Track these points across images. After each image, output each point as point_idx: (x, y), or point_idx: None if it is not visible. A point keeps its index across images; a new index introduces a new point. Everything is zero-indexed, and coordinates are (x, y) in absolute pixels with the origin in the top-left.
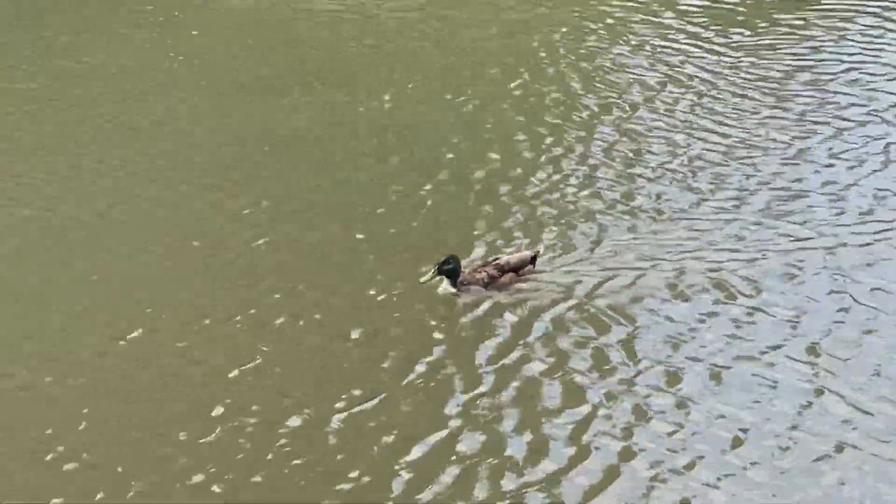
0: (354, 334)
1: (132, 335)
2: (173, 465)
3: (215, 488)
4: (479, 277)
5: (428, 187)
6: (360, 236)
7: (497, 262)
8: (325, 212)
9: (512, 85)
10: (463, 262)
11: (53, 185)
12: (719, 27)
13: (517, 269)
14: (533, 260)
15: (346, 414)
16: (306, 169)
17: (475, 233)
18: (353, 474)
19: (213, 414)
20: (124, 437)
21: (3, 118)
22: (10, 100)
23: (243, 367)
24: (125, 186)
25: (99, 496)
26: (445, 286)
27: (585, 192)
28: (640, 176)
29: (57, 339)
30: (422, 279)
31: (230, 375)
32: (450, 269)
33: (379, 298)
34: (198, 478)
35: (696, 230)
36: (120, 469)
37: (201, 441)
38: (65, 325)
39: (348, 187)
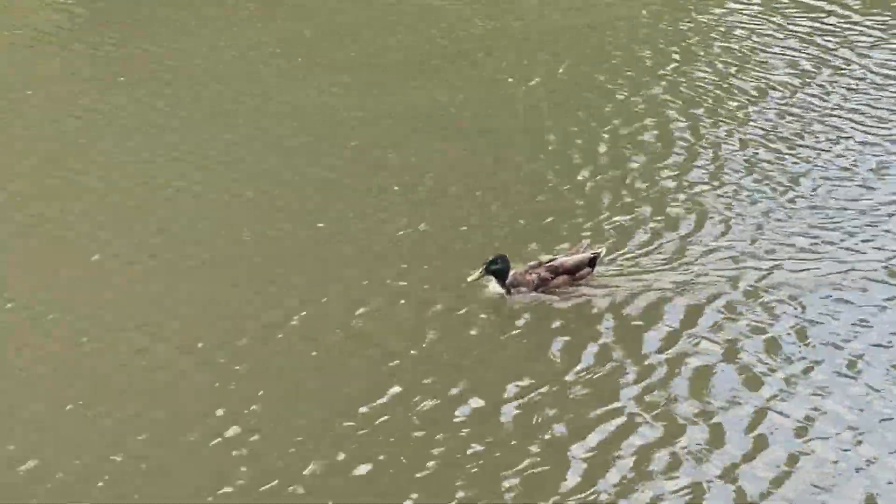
0: (521, 320)
1: (301, 314)
2: (351, 444)
3: (391, 469)
4: (529, 279)
5: (586, 171)
6: (521, 221)
7: (551, 263)
8: (485, 192)
9: (666, 68)
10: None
11: (218, 162)
12: (870, 8)
13: (573, 271)
14: (592, 262)
15: (517, 402)
16: (461, 149)
17: (636, 217)
18: (527, 463)
19: (387, 394)
20: (299, 415)
21: (164, 97)
22: (163, 81)
23: (413, 350)
24: (283, 166)
25: (276, 476)
26: (494, 286)
27: (747, 179)
28: (803, 161)
29: (228, 317)
30: (468, 278)
31: (401, 358)
32: (497, 269)
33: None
34: (376, 456)
35: (864, 219)
36: (296, 447)
37: (377, 421)
38: (234, 304)
39: (506, 168)
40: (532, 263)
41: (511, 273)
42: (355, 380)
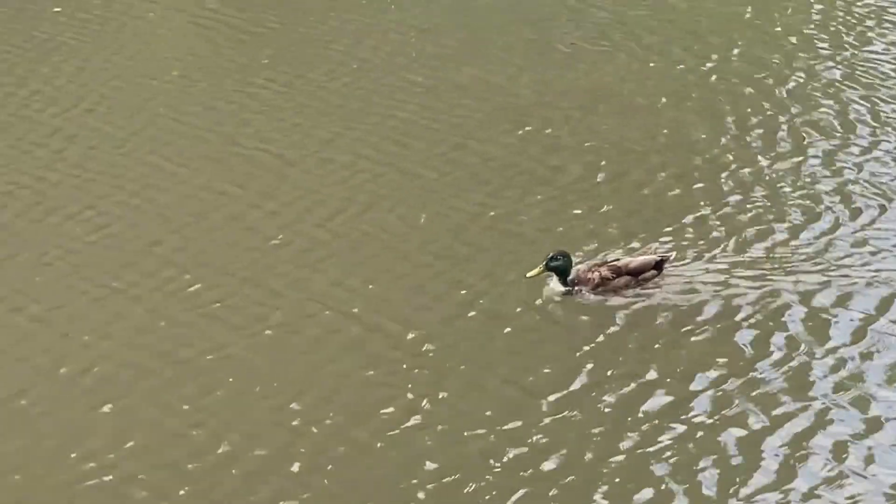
0: (709, 311)
1: (487, 295)
2: (540, 432)
3: (580, 459)
4: (590, 278)
5: (766, 156)
6: (705, 209)
7: (615, 262)
8: (667, 176)
9: (842, 53)
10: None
11: (390, 141)
12: None
13: (636, 273)
14: (658, 266)
15: (707, 394)
16: (638, 131)
17: (818, 204)
18: (720, 456)
19: (577, 381)
20: (490, 400)
21: (319, 78)
22: (312, 61)
23: (600, 335)
24: (457, 146)
25: (468, 461)
26: (554, 284)
27: None
28: None
29: (412, 298)
30: (528, 274)
31: (590, 343)
32: (558, 266)
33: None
34: (565, 446)
35: None
36: (487, 433)
37: (566, 410)
38: (418, 285)
39: (685, 152)
40: (596, 261)
41: (574, 270)
42: (544, 365)
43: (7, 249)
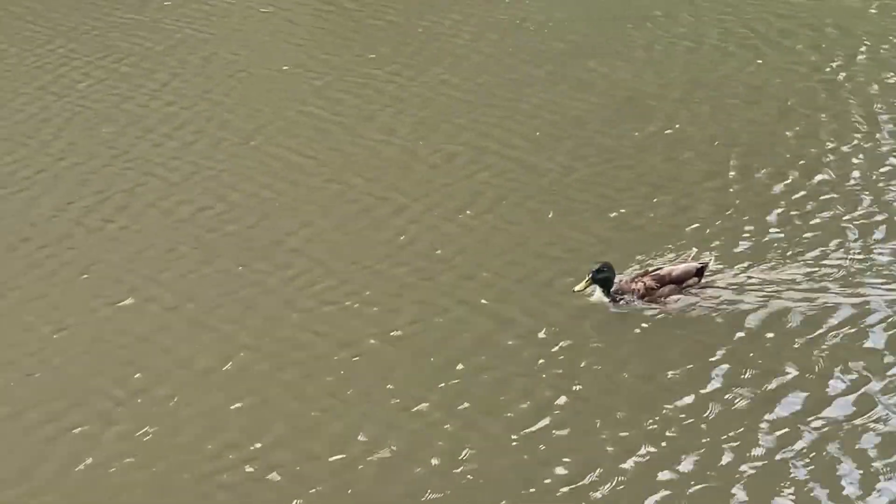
0: (841, 312)
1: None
2: (671, 438)
3: (715, 463)
4: (634, 288)
5: None
6: (832, 208)
7: (657, 272)
8: (798, 177)
9: None
10: None
11: (515, 133)
12: None
13: (679, 281)
14: (699, 272)
15: (845, 395)
16: (773, 130)
17: None
18: (857, 460)
19: (712, 381)
20: (618, 404)
21: (431, 72)
22: (422, 56)
23: (733, 334)
24: (584, 140)
25: (594, 467)
26: (599, 295)
27: None
28: None
29: (548, 291)
30: (575, 288)
31: (725, 341)
32: (603, 278)
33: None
34: (702, 439)
35: None
36: (614, 436)
37: (700, 413)
38: (550, 278)
39: (809, 152)
40: (638, 272)
41: (616, 281)
42: (678, 363)
43: (137, 242)
